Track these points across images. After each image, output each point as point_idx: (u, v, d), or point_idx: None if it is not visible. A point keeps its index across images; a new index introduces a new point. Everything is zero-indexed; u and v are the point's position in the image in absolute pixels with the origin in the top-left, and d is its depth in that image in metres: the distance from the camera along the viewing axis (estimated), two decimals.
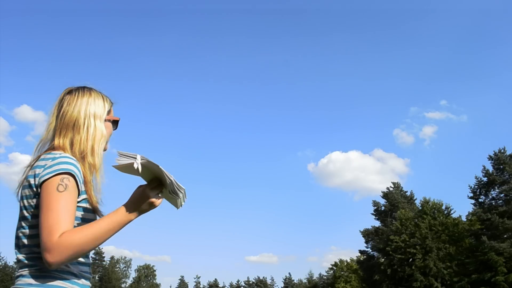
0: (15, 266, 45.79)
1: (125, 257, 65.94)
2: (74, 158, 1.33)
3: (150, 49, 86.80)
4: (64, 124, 1.39)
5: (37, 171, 1.29)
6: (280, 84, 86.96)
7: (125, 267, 65.52)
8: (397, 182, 43.56)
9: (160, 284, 69.16)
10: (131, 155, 1.24)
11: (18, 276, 1.29)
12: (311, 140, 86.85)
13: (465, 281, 30.61)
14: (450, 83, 76.65)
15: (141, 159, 1.23)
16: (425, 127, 76.21)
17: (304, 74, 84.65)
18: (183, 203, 1.37)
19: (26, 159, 1.46)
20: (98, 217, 1.37)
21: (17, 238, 1.33)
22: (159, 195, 1.29)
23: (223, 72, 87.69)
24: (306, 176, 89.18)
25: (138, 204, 1.27)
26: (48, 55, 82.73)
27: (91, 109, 1.42)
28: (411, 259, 34.66)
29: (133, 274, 66.09)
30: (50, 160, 1.29)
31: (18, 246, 1.32)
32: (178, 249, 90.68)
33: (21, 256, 1.29)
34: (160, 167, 1.22)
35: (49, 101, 1.50)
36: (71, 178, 1.27)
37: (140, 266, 67.37)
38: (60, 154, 1.32)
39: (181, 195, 1.32)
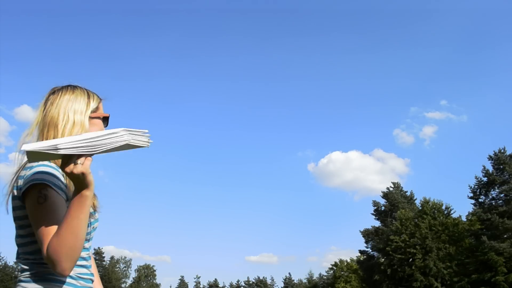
0: (15, 266, 46.39)
1: (125, 257, 65.97)
2: (50, 164, 1.31)
3: (150, 49, 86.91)
4: (45, 123, 1.38)
5: (19, 182, 1.31)
6: (280, 84, 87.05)
7: (125, 267, 65.49)
8: (397, 182, 43.59)
9: (160, 284, 69.13)
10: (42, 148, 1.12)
11: (18, 281, 1.33)
12: (311, 140, 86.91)
13: (465, 281, 30.59)
14: (450, 83, 76.58)
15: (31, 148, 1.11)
16: (425, 127, 76.25)
17: (304, 74, 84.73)
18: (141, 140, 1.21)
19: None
20: None
21: (16, 246, 1.38)
22: (78, 162, 1.15)
23: (222, 71, 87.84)
24: (306, 176, 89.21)
25: (73, 180, 1.18)
26: (48, 54, 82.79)
27: (72, 106, 1.40)
28: (411, 259, 34.66)
29: (133, 274, 66.14)
30: (28, 170, 1.29)
31: (17, 253, 1.37)
32: (178, 249, 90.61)
33: (19, 262, 1.35)
34: (51, 152, 1.10)
35: None
36: (48, 188, 1.25)
37: (140, 266, 67.33)
38: (37, 163, 1.29)
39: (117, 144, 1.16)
